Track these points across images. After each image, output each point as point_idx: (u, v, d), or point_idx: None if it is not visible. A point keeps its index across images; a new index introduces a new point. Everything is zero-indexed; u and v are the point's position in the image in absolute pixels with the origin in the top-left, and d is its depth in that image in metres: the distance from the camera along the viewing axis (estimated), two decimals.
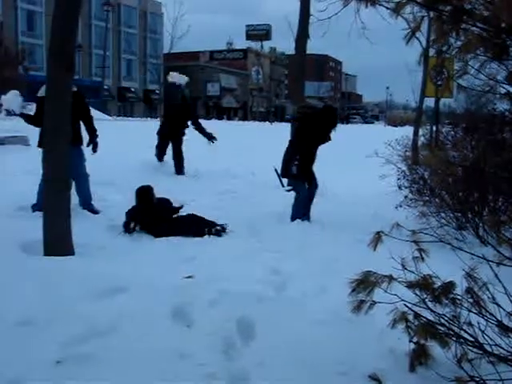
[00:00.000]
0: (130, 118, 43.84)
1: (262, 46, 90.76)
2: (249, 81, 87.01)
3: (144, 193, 7.19)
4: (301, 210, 7.84)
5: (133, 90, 70.26)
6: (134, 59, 70.51)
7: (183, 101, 12.36)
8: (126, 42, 69.13)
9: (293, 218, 7.82)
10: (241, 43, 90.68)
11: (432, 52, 12.15)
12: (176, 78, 12.60)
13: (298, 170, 7.78)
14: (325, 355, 3.63)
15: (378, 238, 3.24)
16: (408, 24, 2.89)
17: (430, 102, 15.96)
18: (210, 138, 11.79)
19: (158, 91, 59.05)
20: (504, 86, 2.81)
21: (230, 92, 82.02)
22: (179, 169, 11.78)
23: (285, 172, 8.11)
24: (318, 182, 8.13)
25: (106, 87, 58.61)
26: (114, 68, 66.90)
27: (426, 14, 2.78)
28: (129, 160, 11.63)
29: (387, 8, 3.00)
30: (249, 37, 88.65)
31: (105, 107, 51.03)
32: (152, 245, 6.43)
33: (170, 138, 11.92)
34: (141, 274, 5.05)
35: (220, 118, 61.88)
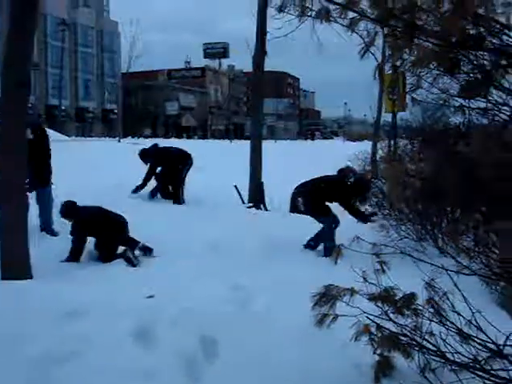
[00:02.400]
0: (88, 139, 43.27)
1: (220, 64, 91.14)
2: (207, 99, 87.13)
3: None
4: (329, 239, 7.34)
5: (91, 109, 69.56)
6: (91, 79, 69.83)
7: None
8: (83, 61, 68.46)
9: (326, 252, 7.14)
10: (199, 61, 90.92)
11: (388, 67, 12.42)
12: None
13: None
14: (290, 371, 3.62)
15: (338, 252, 3.26)
16: (362, 39, 2.95)
17: (387, 116, 16.23)
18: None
19: (116, 110, 58.63)
20: (457, 99, 2.89)
21: (189, 110, 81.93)
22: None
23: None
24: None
25: (63, 108, 57.88)
26: (71, 88, 66.11)
27: (379, 29, 2.84)
28: (90, 181, 11.43)
29: (342, 25, 3.05)
30: (207, 55, 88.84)
31: (62, 128, 50.34)
32: (111, 266, 6.32)
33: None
34: (100, 297, 4.95)
35: (179, 136, 61.68)
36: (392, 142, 13.16)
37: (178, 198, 10.81)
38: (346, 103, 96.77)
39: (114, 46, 71.49)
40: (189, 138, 64.52)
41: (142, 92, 73.68)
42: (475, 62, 2.77)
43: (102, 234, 6.69)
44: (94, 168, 14.15)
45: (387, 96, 15.00)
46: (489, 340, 2.95)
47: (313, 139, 79.09)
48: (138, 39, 47.61)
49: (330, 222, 7.50)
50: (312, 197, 7.49)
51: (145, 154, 10.95)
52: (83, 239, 6.65)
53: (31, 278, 5.50)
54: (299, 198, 7.55)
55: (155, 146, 11.27)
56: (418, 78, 2.70)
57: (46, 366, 3.56)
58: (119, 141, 38.90)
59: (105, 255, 6.59)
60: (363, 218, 7.71)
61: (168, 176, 10.96)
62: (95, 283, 5.52)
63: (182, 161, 11.03)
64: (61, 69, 54.01)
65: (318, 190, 7.52)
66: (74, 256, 6.55)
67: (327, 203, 7.59)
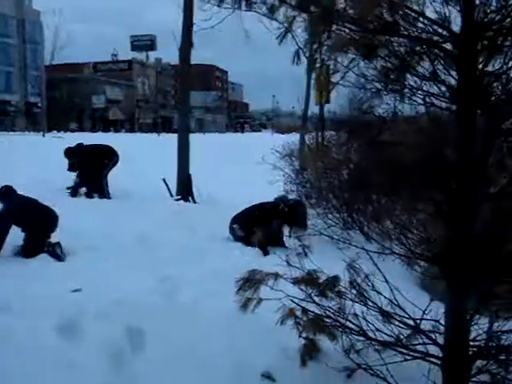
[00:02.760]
0: (10, 133, 41.70)
1: (147, 57, 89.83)
2: (135, 92, 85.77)
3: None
4: None
5: (13, 103, 67.05)
6: (12, 71, 67.26)
7: None
8: (4, 52, 65.82)
9: None
10: (126, 54, 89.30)
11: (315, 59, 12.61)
12: None
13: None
14: (218, 357, 3.63)
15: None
16: (281, 24, 2.97)
17: (315, 109, 16.43)
18: None
19: (39, 104, 56.80)
20: (374, 83, 2.96)
21: (115, 104, 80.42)
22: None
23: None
24: None
25: None
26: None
27: (297, 14, 2.87)
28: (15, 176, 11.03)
29: (261, 13, 3.06)
30: (134, 48, 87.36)
31: None
32: (36, 260, 6.13)
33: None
34: (24, 292, 4.81)
35: (107, 130, 60.42)
36: (319, 134, 13.34)
37: (103, 191, 10.65)
38: (274, 96, 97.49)
39: (37, 36, 68.92)
40: (116, 131, 63.26)
41: (67, 85, 71.64)
42: (391, 48, 2.85)
43: (34, 226, 6.47)
44: (18, 163, 13.66)
45: (316, 88, 15.19)
46: (407, 317, 3.05)
47: (242, 132, 79.28)
48: (61, 30, 46.35)
49: None
50: (248, 224, 7.46)
51: (70, 153, 10.75)
52: (8, 226, 6.40)
53: None
54: (235, 225, 7.53)
55: (80, 145, 11.06)
56: (335, 62, 2.76)
57: None
58: (43, 135, 37.78)
59: (30, 249, 6.36)
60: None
61: (91, 171, 10.77)
62: (19, 278, 5.33)
63: (108, 156, 10.88)
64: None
65: (253, 217, 7.51)
66: None
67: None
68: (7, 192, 6.66)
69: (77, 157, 10.64)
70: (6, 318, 4.13)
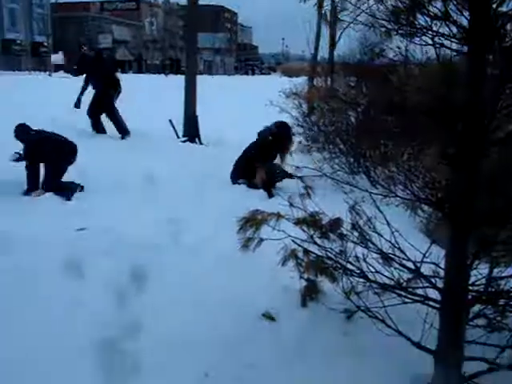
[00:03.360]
0: (17, 72, 41.38)
1: None
2: (143, 33, 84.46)
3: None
4: None
5: (18, 42, 66.18)
6: (17, 8, 66.04)
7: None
8: None
9: None
10: None
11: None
12: None
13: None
14: (220, 298, 3.67)
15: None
16: None
17: (324, 53, 16.13)
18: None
19: (46, 43, 56.13)
20: (384, 23, 2.88)
21: (123, 44, 79.31)
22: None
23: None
24: None
25: None
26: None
27: None
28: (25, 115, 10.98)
29: None
30: None
31: None
32: (42, 200, 6.16)
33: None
34: (28, 232, 4.85)
35: None
36: (328, 77, 13.14)
37: (122, 128, 10.66)
38: (283, 39, 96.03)
39: None
40: (123, 72, 62.70)
41: (74, 24, 70.52)
42: None
43: (53, 159, 6.49)
44: (24, 102, 13.57)
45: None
46: (408, 259, 3.06)
47: (253, 74, 78.40)
48: None
49: None
50: (245, 168, 7.45)
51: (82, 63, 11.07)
52: (37, 163, 6.44)
53: None
54: (235, 176, 7.50)
55: None
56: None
57: None
58: (50, 75, 37.53)
59: (52, 182, 6.41)
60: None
61: (100, 106, 10.74)
62: (25, 217, 5.37)
63: (114, 86, 10.86)
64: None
65: (249, 159, 7.46)
66: (33, 184, 6.37)
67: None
68: (23, 130, 6.63)
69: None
70: (11, 256, 4.18)
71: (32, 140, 6.49)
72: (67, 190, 6.39)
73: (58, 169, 6.56)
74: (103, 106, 10.77)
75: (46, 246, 4.41)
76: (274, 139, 7.53)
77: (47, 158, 6.45)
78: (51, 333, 3.22)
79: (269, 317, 3.52)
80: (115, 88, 10.83)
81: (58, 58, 54.46)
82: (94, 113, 10.78)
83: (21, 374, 2.89)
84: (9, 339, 3.13)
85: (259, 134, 7.71)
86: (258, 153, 7.43)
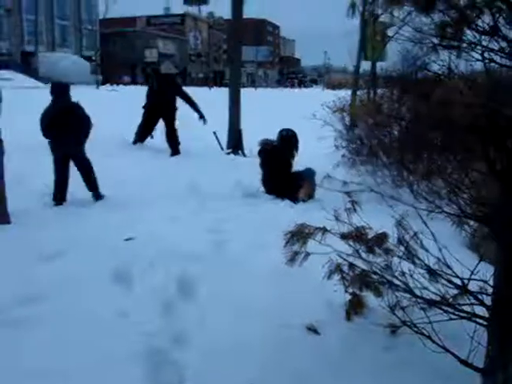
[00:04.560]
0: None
1: (199, 11, 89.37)
2: (187, 46, 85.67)
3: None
4: None
5: None
6: (67, 25, 67.86)
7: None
8: (59, 6, 66.35)
9: None
10: (178, 8, 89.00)
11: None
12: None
13: None
14: (265, 309, 3.70)
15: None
16: None
17: (367, 66, 16.10)
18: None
19: (94, 58, 57.45)
20: (431, 39, 2.88)
21: (168, 58, 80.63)
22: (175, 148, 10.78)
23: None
24: None
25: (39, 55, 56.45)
26: (48, 34, 64.23)
27: None
28: None
29: None
30: (186, 1, 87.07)
31: (39, 75, 49.24)
32: (90, 210, 6.32)
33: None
34: (79, 239, 5.01)
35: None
36: (371, 90, 13.10)
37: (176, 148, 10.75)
38: (326, 52, 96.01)
39: None
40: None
41: (121, 39, 72.03)
42: (450, 1, 2.76)
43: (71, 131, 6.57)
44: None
45: (370, 43, 14.87)
46: (455, 276, 3.03)
47: (293, 86, 78.60)
48: None
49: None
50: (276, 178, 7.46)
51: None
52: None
53: (9, 223, 5.50)
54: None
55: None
56: (390, 15, 2.69)
57: (22, 304, 3.58)
58: (97, 87, 38.37)
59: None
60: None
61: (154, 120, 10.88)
62: (74, 226, 5.52)
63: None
64: (36, 14, 52.49)
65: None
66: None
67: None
68: (61, 91, 6.75)
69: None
70: (62, 261, 4.31)
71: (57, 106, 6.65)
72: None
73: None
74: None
75: (95, 255, 4.52)
76: (282, 144, 7.62)
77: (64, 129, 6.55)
78: (97, 343, 3.27)
79: (313, 329, 3.53)
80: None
81: None
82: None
83: (66, 380, 2.94)
84: (57, 349, 3.20)
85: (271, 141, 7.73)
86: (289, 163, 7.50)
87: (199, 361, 3.17)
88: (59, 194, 6.53)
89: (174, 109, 10.88)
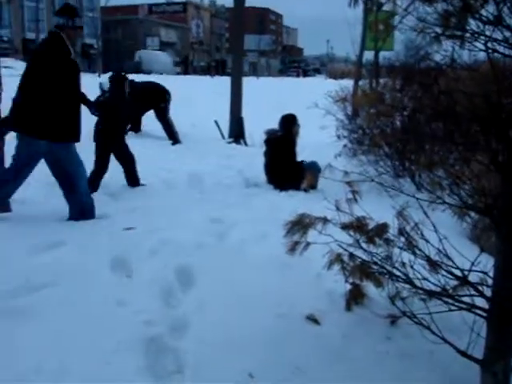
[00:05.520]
0: None
1: None
2: (189, 34, 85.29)
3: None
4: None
5: None
6: None
7: None
8: None
9: None
10: None
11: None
12: None
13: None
14: (264, 298, 3.69)
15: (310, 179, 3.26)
16: None
17: (370, 55, 16.05)
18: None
19: (95, 45, 57.25)
20: (434, 28, 2.86)
21: (170, 46, 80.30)
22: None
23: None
24: None
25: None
26: (49, 22, 63.88)
27: None
28: None
29: None
30: None
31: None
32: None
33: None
34: (79, 228, 5.00)
35: (160, 72, 60.74)
36: (374, 80, 13.06)
37: (174, 137, 10.73)
38: (328, 41, 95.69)
39: None
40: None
41: (122, 27, 71.73)
42: None
43: None
44: None
45: (371, 33, 14.84)
46: (455, 267, 3.02)
47: (298, 76, 78.46)
48: None
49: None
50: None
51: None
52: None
53: (10, 211, 5.48)
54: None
55: (131, 81, 11.10)
56: (393, 4, 2.66)
57: (21, 293, 3.57)
58: (99, 76, 38.21)
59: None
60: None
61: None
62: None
63: (162, 97, 10.92)
64: (36, 2, 52.26)
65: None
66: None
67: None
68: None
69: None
70: (61, 251, 4.31)
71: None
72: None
73: None
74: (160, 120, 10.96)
75: (94, 245, 4.52)
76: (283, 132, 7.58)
77: None
78: (96, 331, 3.25)
79: (313, 319, 3.52)
80: (163, 99, 10.96)
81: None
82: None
83: (65, 370, 2.93)
84: (54, 338, 3.18)
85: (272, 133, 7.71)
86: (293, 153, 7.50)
87: (198, 350, 3.16)
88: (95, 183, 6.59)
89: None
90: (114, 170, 6.88)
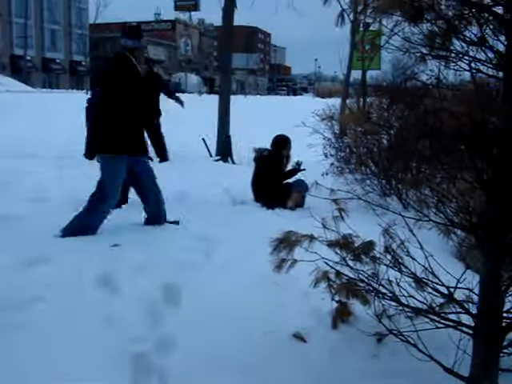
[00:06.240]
0: (55, 90, 42.24)
1: (190, 17, 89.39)
2: (178, 53, 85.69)
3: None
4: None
5: (58, 61, 67.69)
6: (57, 29, 67.63)
7: None
8: (49, 10, 66.12)
9: None
10: (169, 14, 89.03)
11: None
12: None
13: None
14: (251, 316, 3.69)
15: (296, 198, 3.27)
16: None
17: (357, 74, 16.18)
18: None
19: (84, 62, 57.40)
20: (419, 48, 2.90)
21: (158, 64, 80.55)
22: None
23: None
24: None
25: (28, 58, 56.28)
26: (37, 38, 64.03)
27: None
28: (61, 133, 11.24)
29: None
30: (177, 7, 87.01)
31: (28, 79, 49.20)
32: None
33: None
34: (65, 244, 4.96)
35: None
36: (361, 99, 13.15)
37: (163, 154, 10.70)
38: (316, 59, 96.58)
39: None
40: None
41: (111, 44, 71.87)
42: (438, 11, 2.78)
43: None
44: (63, 120, 13.89)
45: (357, 52, 14.99)
46: (441, 284, 3.04)
47: (295, 95, 78.98)
48: None
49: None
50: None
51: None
52: None
53: None
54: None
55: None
56: (379, 25, 2.70)
57: (6, 310, 3.54)
58: (87, 93, 38.22)
59: None
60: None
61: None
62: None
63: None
64: (26, 18, 52.42)
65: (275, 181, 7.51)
66: None
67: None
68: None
69: None
70: (47, 267, 4.27)
71: None
72: None
73: None
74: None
75: (80, 262, 4.48)
76: (273, 151, 7.59)
77: None
78: (82, 348, 3.24)
79: (300, 337, 3.52)
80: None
81: None
82: None
83: None
84: (40, 355, 3.16)
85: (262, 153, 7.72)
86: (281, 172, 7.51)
87: (184, 367, 3.14)
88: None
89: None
90: None
